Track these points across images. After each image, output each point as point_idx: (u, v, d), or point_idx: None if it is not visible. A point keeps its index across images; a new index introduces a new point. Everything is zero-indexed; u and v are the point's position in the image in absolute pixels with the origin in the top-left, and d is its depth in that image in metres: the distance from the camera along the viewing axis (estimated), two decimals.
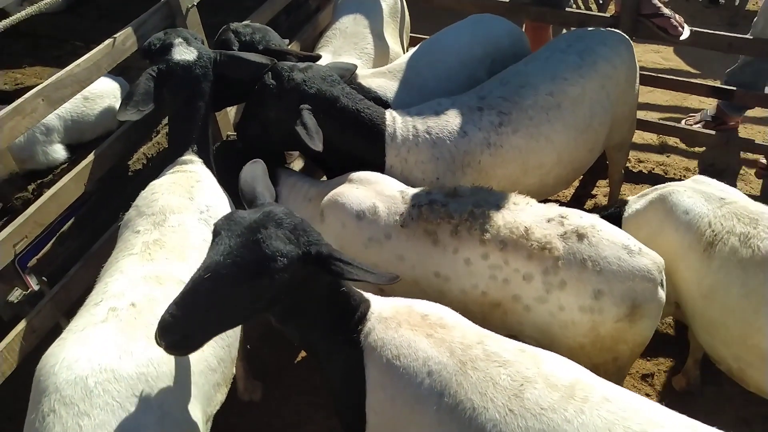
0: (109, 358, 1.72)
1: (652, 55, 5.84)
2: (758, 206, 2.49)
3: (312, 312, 1.92)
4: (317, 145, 2.57)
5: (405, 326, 1.94)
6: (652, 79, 4.29)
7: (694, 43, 3.90)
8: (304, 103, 2.66)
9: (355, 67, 3.02)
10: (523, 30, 4.44)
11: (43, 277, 2.53)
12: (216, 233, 1.74)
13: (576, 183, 4.43)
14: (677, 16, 3.81)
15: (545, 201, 3.12)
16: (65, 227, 2.67)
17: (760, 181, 4.33)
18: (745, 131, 4.71)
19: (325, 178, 3.37)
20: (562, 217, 2.36)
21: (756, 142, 4.35)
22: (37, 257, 2.51)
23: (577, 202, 4.33)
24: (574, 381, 1.78)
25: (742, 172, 4.43)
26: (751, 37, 3.90)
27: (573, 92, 2.98)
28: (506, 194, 2.51)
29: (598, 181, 4.39)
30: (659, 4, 3.79)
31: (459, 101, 2.94)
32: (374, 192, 2.63)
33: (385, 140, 2.83)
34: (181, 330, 1.62)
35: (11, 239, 2.24)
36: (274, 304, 1.79)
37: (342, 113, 2.76)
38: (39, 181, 2.81)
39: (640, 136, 4.75)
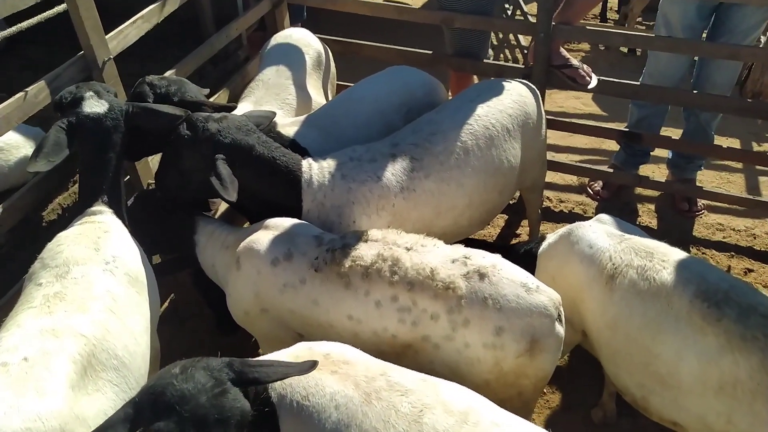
0: None
1: (573, 101, 6.19)
2: (653, 242, 2.66)
3: None
4: (231, 195, 2.61)
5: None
6: (569, 125, 4.55)
7: (603, 90, 4.17)
8: (219, 153, 2.71)
9: (274, 114, 3.10)
10: (450, 78, 4.67)
11: None
12: None
13: (502, 223, 4.61)
14: (585, 66, 4.08)
15: (468, 240, 3.25)
16: None
17: (656, 215, 4.64)
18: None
19: (248, 224, 3.40)
20: (466, 257, 2.46)
21: (666, 181, 4.66)
22: None
23: (503, 240, 4.49)
24: (468, 407, 1.90)
25: (644, 208, 4.73)
26: (654, 85, 4.21)
27: (481, 139, 3.13)
28: (415, 237, 2.60)
29: (523, 221, 4.57)
30: (568, 56, 4.05)
31: (373, 148, 3.05)
32: (289, 237, 2.67)
33: (301, 186, 2.90)
34: None
35: None
36: None
37: (258, 161, 2.82)
38: None
39: (562, 178, 4.99)
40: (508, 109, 3.29)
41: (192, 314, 3.83)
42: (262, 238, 2.67)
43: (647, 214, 4.69)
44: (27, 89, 2.67)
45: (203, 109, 2.96)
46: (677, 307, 2.35)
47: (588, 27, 6.00)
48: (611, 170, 4.65)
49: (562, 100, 6.20)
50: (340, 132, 3.32)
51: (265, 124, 3.04)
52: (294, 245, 2.63)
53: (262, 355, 2.89)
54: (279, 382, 1.96)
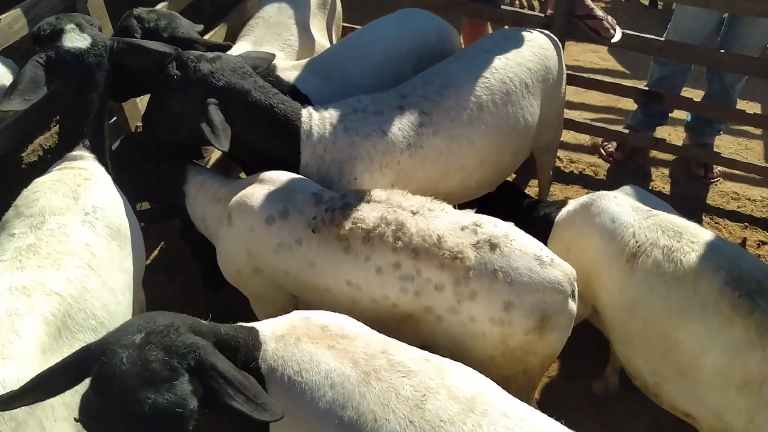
0: None
1: (589, 55, 5.87)
2: (682, 220, 2.48)
3: None
4: (223, 145, 2.40)
5: (305, 340, 1.84)
6: (585, 80, 4.30)
7: (625, 45, 3.91)
8: (211, 97, 2.48)
9: (273, 56, 2.85)
10: (463, 26, 4.37)
11: None
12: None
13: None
14: (610, 18, 3.81)
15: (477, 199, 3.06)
16: None
17: (669, 180, 4.44)
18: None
19: (243, 175, 3.20)
20: (476, 225, 2.27)
21: (683, 145, 4.44)
22: None
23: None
24: (475, 393, 1.74)
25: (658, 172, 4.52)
26: (681, 42, 3.93)
27: (497, 94, 2.90)
28: (422, 200, 2.41)
29: (531, 180, 4.37)
30: (592, 6, 3.77)
31: (379, 99, 2.81)
32: (286, 194, 2.48)
33: (300, 137, 2.68)
34: None
35: None
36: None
37: (253, 108, 2.60)
38: None
39: (573, 137, 4.76)
40: (528, 62, 3.04)
41: (185, 264, 3.66)
42: (256, 193, 2.48)
43: (660, 179, 4.49)
44: (0, 17, 2.41)
45: (196, 47, 2.71)
46: (704, 294, 2.18)
47: None
48: (626, 131, 4.42)
49: (578, 53, 5.88)
50: (344, 79, 3.08)
51: (264, 66, 2.79)
52: (291, 203, 2.44)
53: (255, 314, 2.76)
54: (271, 354, 1.81)
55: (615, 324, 2.47)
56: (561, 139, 4.66)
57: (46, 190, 2.18)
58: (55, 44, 2.35)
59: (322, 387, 1.74)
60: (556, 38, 3.33)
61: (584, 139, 4.78)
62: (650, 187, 4.42)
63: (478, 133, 2.86)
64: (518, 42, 3.10)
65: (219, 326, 1.80)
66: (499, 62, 2.97)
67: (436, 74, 2.94)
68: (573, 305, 2.24)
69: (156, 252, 3.82)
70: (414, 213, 2.32)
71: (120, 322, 2.05)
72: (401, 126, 2.74)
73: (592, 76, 4.46)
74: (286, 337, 1.84)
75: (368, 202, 2.39)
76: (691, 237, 2.33)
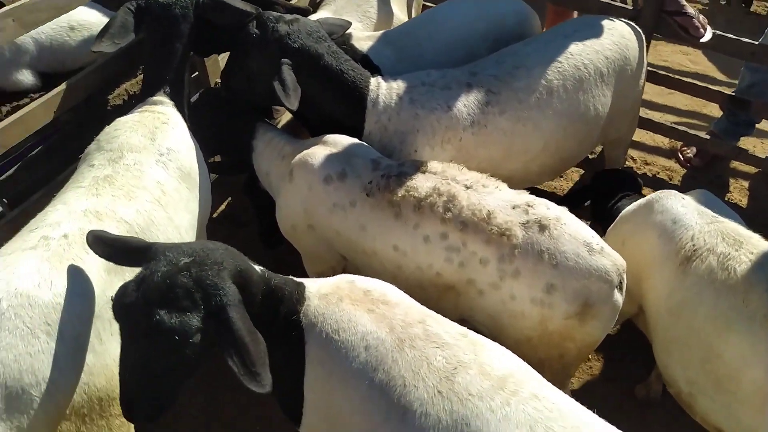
0: (27, 284, 1.70)
1: (679, 57, 5.62)
2: (746, 231, 2.37)
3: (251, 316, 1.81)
4: (292, 103, 2.50)
5: (346, 301, 1.90)
6: (669, 80, 4.13)
7: (716, 47, 3.72)
8: (286, 57, 2.58)
9: (349, 24, 2.92)
10: (548, 13, 4.29)
11: (5, 199, 2.52)
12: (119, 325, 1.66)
13: (576, 177, 4.31)
14: (701, 17, 3.64)
15: (536, 191, 3.05)
16: (34, 153, 2.65)
17: (747, 194, 4.23)
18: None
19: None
20: (529, 205, 2.27)
21: (766, 158, 4.19)
22: (1, 178, 2.50)
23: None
24: (507, 373, 1.73)
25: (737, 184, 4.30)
26: None
27: (569, 80, 2.85)
28: (478, 175, 2.42)
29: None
30: (683, 3, 3.61)
31: (449, 74, 2.83)
32: (346, 157, 2.56)
33: (366, 105, 2.75)
34: (142, 415, 1.68)
35: None
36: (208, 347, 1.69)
37: (324, 72, 2.68)
38: (14, 104, 2.79)
39: (651, 138, 4.59)
40: (606, 50, 2.96)
41: (248, 220, 3.83)
42: (318, 153, 2.57)
43: (738, 191, 4.26)
44: None
45: (276, 8, 2.80)
46: (754, 307, 2.08)
47: None
48: (708, 137, 4.21)
49: (668, 54, 5.64)
50: (417, 54, 3.11)
51: (339, 33, 2.87)
52: (349, 165, 2.51)
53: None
54: (313, 310, 1.88)
55: (658, 327, 2.40)
56: (638, 139, 4.54)
57: (127, 129, 2.35)
58: None
59: (357, 348, 1.79)
60: (640, 30, 3.22)
61: (662, 141, 4.60)
62: (726, 199, 4.21)
63: (545, 117, 2.82)
64: (599, 29, 3.02)
65: (272, 276, 1.90)
66: (576, 48, 2.91)
67: (509, 55, 2.93)
68: (619, 297, 2.20)
69: (223, 206, 4.01)
70: (467, 187, 2.34)
71: None
72: (467, 103, 2.75)
73: (679, 77, 4.27)
74: (330, 296, 1.91)
75: (423, 172, 2.43)
76: (752, 248, 2.23)
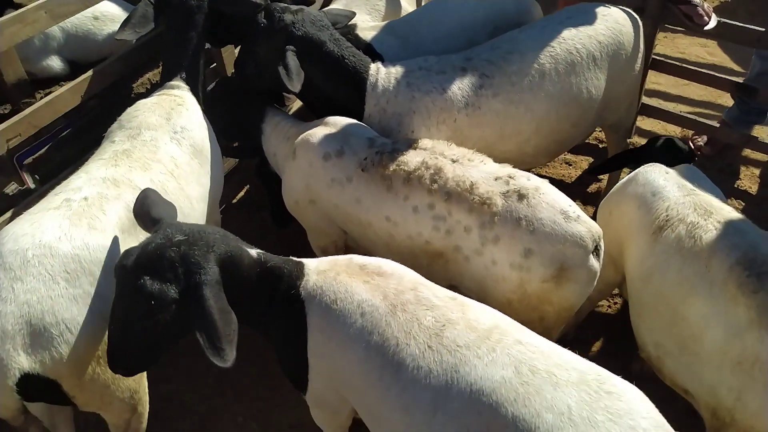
0: (49, 237, 1.94)
1: (697, 48, 5.63)
2: (719, 203, 2.45)
3: (245, 295, 2.03)
4: (295, 86, 2.70)
5: (343, 274, 2.06)
6: (677, 68, 4.17)
7: (721, 34, 3.77)
8: (291, 44, 2.79)
9: (353, 14, 3.11)
10: (559, 4, 4.38)
11: (36, 176, 2.79)
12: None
13: (585, 165, 4.40)
14: (706, 5, 3.69)
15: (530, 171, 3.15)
16: (64, 134, 2.92)
17: (758, 181, 4.23)
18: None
19: None
20: (510, 177, 2.41)
21: None
22: (33, 157, 2.78)
23: (582, 184, 4.31)
24: (492, 325, 1.88)
25: (747, 172, 4.32)
26: None
27: (561, 63, 2.97)
28: (464, 151, 2.57)
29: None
30: None
31: (445, 60, 2.99)
32: (344, 136, 2.74)
33: (366, 89, 2.93)
34: (120, 366, 1.91)
35: (5, 134, 2.50)
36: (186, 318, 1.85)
37: (326, 58, 2.87)
38: (47, 90, 3.07)
39: (663, 127, 4.65)
40: (599, 35, 3.08)
41: (264, 205, 4.06)
42: (318, 132, 2.76)
43: (749, 179, 4.28)
44: None
45: (283, 0, 3.02)
46: (715, 271, 2.18)
47: None
48: (718, 125, 4.25)
49: (685, 46, 5.66)
50: (418, 42, 3.27)
51: (343, 23, 3.06)
52: (347, 144, 2.69)
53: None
54: (312, 284, 2.04)
55: (631, 293, 2.51)
56: (650, 128, 4.60)
57: (145, 110, 2.59)
58: None
59: (354, 314, 1.96)
60: (636, 16, 3.31)
61: (674, 130, 4.64)
62: (736, 186, 4.24)
63: (537, 99, 2.95)
64: (592, 16, 3.14)
65: (269, 258, 2.08)
66: (568, 33, 3.03)
67: (503, 41, 3.07)
68: (594, 262, 2.32)
69: (242, 193, 4.25)
70: (454, 161, 2.50)
71: None
72: (461, 86, 2.91)
73: (691, 67, 4.31)
74: (328, 271, 2.09)
75: (414, 148, 2.60)
76: (720, 217, 2.32)
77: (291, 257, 2.19)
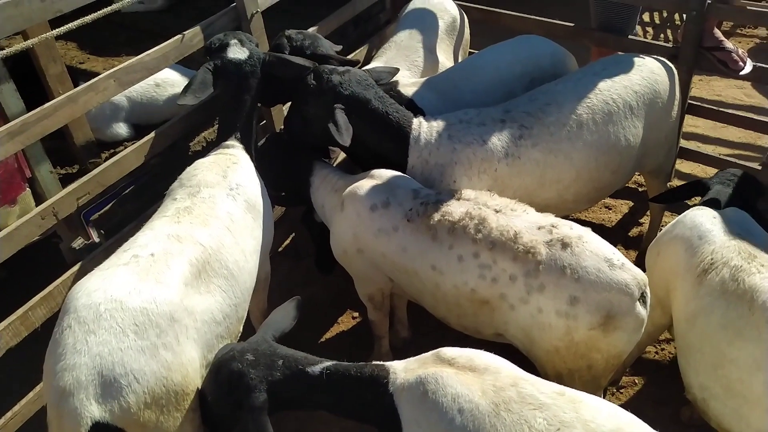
0: (120, 292, 2.07)
1: (734, 90, 5.65)
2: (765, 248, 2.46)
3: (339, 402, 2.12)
4: (345, 141, 2.85)
5: (431, 367, 1.98)
6: (714, 113, 4.20)
7: (757, 78, 3.82)
8: (339, 103, 2.95)
9: (396, 70, 3.28)
10: (592, 55, 4.50)
11: (102, 231, 2.98)
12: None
13: (625, 210, 4.42)
14: (740, 50, 3.76)
15: (568, 217, 3.21)
16: (127, 191, 3.11)
17: None
18: None
19: None
20: (553, 226, 2.48)
21: None
22: (99, 213, 2.97)
23: (623, 228, 4.32)
24: (614, 428, 1.71)
25: None
26: None
27: (598, 113, 3.06)
28: (507, 201, 2.66)
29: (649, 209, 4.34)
30: (721, 38, 3.75)
31: (485, 112, 3.11)
32: (389, 188, 2.86)
33: (409, 142, 3.06)
34: None
35: (75, 193, 2.70)
36: None
37: (372, 114, 3.02)
38: (111, 151, 3.30)
39: (703, 170, 4.65)
40: (634, 85, 3.16)
41: (309, 253, 4.19)
42: (365, 185, 2.89)
43: None
44: (184, 32, 3.09)
45: (330, 62, 3.20)
46: (758, 314, 2.19)
47: (750, 7, 5.38)
48: (759, 167, 4.22)
49: (721, 89, 5.68)
50: (458, 96, 3.41)
51: (387, 79, 3.22)
52: (393, 195, 2.81)
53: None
54: (400, 380, 1.98)
55: (678, 335, 2.51)
56: (690, 171, 4.61)
57: (204, 168, 2.76)
58: (221, 55, 2.97)
59: (450, 410, 1.82)
60: (670, 65, 3.39)
61: (713, 173, 4.63)
62: None
63: (576, 148, 3.04)
64: (628, 66, 3.23)
65: (339, 368, 2.09)
66: (604, 84, 3.13)
67: (541, 93, 3.18)
68: (641, 310, 2.35)
69: (288, 241, 4.40)
70: (497, 211, 2.58)
71: (246, 277, 2.59)
72: (501, 137, 3.01)
73: (730, 111, 4.33)
74: (416, 366, 2.02)
75: (458, 199, 2.70)
76: (763, 260, 2.34)
77: (375, 362, 2.14)
